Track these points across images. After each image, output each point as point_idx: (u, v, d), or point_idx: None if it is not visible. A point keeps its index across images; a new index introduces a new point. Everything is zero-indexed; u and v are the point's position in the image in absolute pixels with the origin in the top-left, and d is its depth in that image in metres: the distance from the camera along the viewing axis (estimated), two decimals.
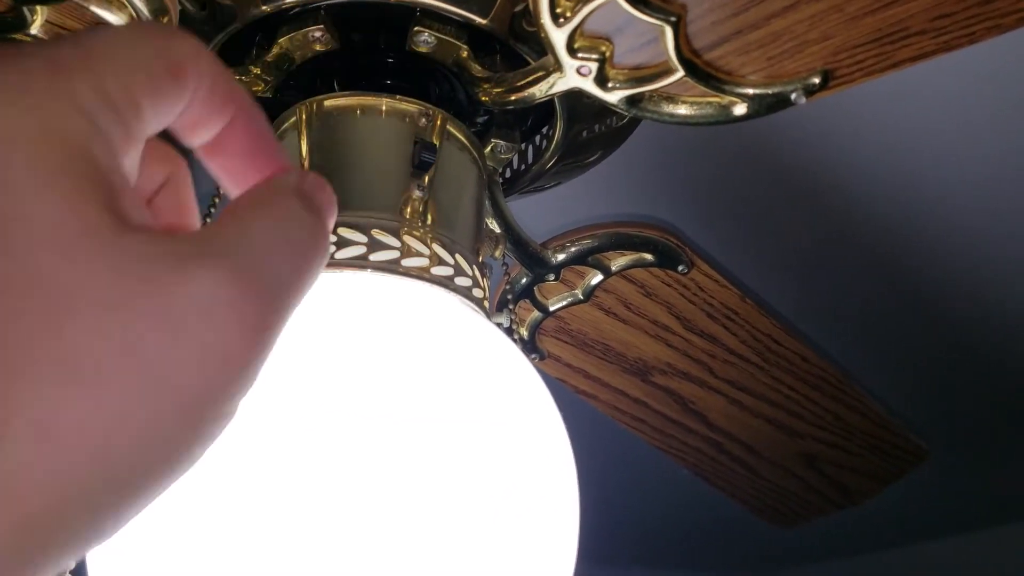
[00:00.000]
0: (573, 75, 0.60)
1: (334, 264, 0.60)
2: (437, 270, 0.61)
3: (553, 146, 0.75)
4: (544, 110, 0.75)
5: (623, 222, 0.83)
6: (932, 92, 0.99)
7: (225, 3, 0.64)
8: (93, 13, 0.56)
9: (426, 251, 0.61)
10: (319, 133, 0.65)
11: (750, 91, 0.59)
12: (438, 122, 0.66)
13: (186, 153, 0.34)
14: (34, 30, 0.58)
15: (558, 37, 0.57)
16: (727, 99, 0.60)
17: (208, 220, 0.65)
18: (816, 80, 0.58)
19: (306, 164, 0.64)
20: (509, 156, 0.76)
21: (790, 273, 1.26)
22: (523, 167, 0.80)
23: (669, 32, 0.56)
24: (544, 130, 0.78)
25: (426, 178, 0.63)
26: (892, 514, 1.87)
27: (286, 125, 0.67)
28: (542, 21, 0.56)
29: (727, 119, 0.61)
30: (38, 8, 0.57)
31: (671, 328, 0.91)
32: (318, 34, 0.66)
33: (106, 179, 0.27)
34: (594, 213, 0.87)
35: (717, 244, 0.93)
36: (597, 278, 0.85)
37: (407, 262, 0.61)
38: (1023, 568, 1.98)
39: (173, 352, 0.26)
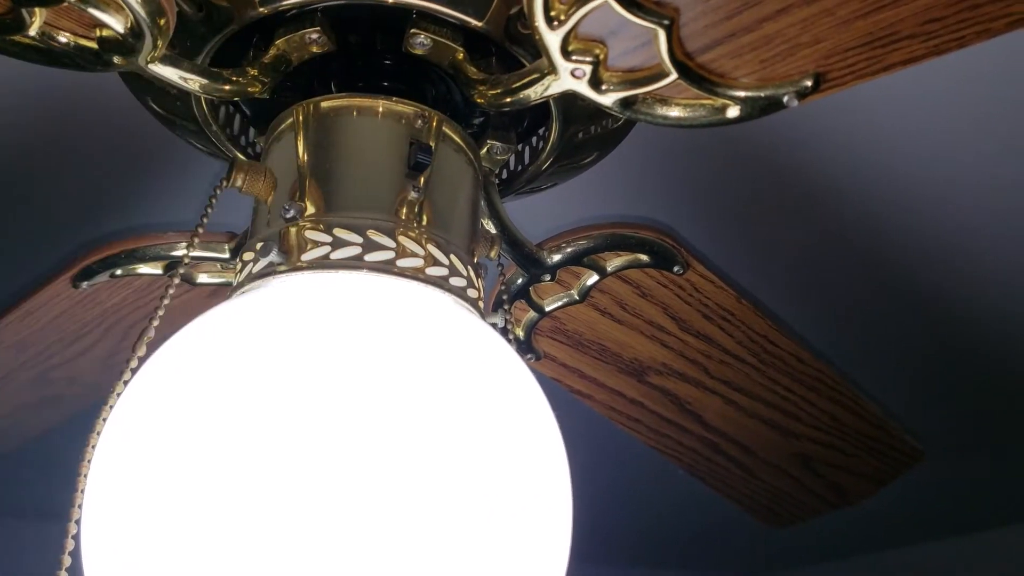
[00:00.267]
0: (567, 77, 0.60)
1: (330, 264, 0.60)
2: (432, 270, 0.62)
3: (549, 147, 0.76)
4: (540, 112, 0.75)
5: (619, 223, 0.83)
6: (926, 94, 0.99)
7: (222, 5, 0.64)
8: (91, 15, 0.57)
9: (421, 252, 0.62)
10: (316, 134, 0.66)
11: (743, 94, 0.60)
12: (434, 124, 0.66)
13: None
14: (32, 31, 0.58)
15: (552, 40, 0.57)
16: (720, 101, 0.60)
17: (206, 218, 0.65)
18: (808, 83, 0.59)
19: (303, 165, 0.65)
20: (505, 157, 0.77)
21: (786, 274, 1.27)
22: (519, 168, 0.80)
23: (662, 35, 0.56)
24: (540, 132, 0.78)
25: (421, 179, 0.64)
26: (888, 515, 1.87)
27: (283, 126, 0.67)
28: (536, 24, 0.56)
29: (720, 121, 0.61)
30: (37, 10, 0.57)
31: (667, 329, 0.91)
32: (315, 36, 0.66)
33: None
34: (590, 214, 0.87)
35: (713, 245, 0.94)
36: (593, 279, 0.85)
37: (402, 262, 0.61)
38: (1019, 570, 1.98)
39: None
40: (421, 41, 0.66)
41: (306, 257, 0.60)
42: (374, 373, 0.54)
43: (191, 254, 0.71)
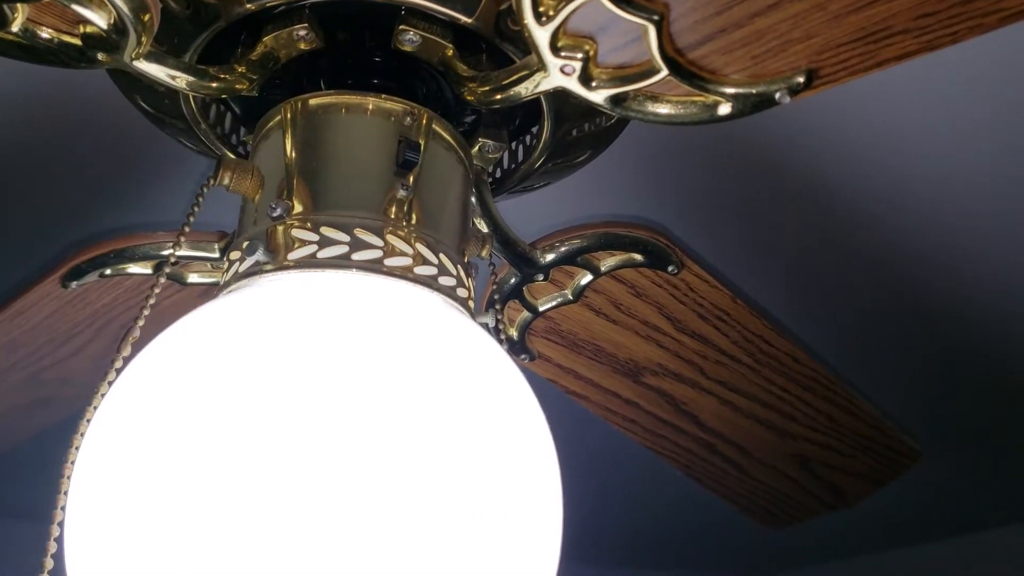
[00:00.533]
0: (557, 74, 0.59)
1: (316, 263, 0.60)
2: (420, 269, 0.61)
3: (541, 146, 0.75)
4: (532, 110, 0.75)
5: (613, 222, 0.83)
6: (923, 91, 0.99)
7: (209, 1, 0.63)
8: (74, 11, 0.56)
9: (409, 250, 0.61)
10: (304, 132, 0.65)
11: (734, 90, 0.59)
12: (423, 121, 0.66)
13: None
14: (15, 28, 0.58)
15: (541, 36, 0.57)
16: (711, 98, 0.60)
17: (192, 216, 0.65)
18: (800, 79, 0.58)
19: (290, 163, 0.64)
20: (497, 156, 0.76)
21: (781, 273, 1.26)
22: (512, 167, 0.80)
23: (652, 31, 0.55)
24: (532, 130, 0.77)
25: (410, 177, 0.63)
26: (885, 516, 1.87)
27: (271, 124, 0.67)
28: (525, 20, 0.56)
29: (712, 118, 0.61)
30: (18, 6, 0.57)
31: (662, 329, 0.90)
32: (303, 33, 0.65)
33: None
34: (583, 213, 0.87)
35: (707, 244, 0.93)
36: (587, 278, 0.85)
37: (390, 261, 0.60)
38: (1018, 570, 1.97)
39: None
40: (410, 38, 0.65)
41: (293, 256, 0.60)
42: (360, 373, 0.54)
43: (178, 253, 0.70)
